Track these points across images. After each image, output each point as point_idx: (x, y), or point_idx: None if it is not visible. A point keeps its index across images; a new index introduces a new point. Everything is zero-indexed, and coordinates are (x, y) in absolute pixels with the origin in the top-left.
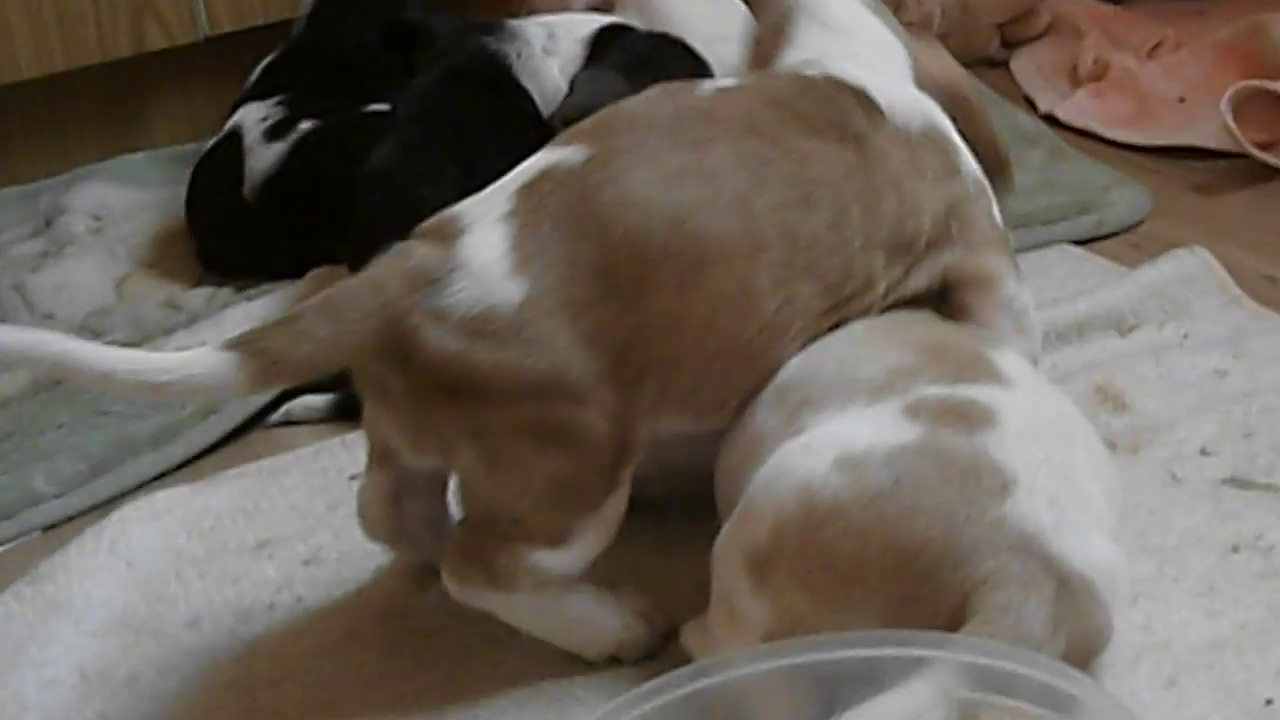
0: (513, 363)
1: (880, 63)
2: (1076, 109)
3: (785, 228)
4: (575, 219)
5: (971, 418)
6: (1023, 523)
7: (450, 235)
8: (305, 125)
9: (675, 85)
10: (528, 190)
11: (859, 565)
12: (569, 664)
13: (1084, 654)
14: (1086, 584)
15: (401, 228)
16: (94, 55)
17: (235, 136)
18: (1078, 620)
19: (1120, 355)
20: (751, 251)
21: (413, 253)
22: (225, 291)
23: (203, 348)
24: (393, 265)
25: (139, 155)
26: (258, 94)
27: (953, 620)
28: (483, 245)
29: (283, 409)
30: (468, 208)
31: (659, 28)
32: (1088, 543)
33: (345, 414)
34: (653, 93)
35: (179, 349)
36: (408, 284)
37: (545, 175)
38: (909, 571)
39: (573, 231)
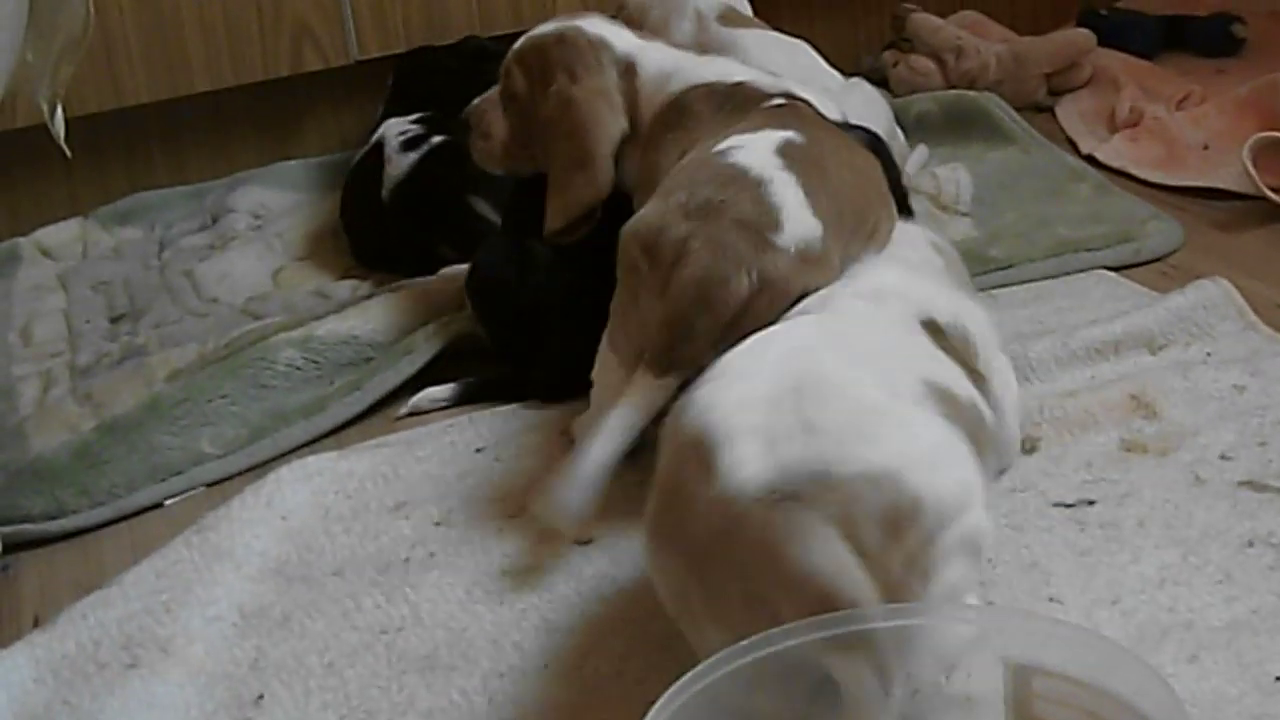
0: (824, 279)
1: None
2: (1113, 152)
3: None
4: (821, 178)
5: None
6: None
7: (752, 185)
8: (436, 139)
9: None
10: (782, 151)
11: None
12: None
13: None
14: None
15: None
16: (258, 74)
17: (379, 146)
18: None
19: (1151, 370)
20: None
21: (730, 206)
22: (367, 284)
23: (640, 379)
24: (720, 225)
25: (294, 162)
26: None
27: None
28: (787, 193)
29: (410, 402)
30: (750, 163)
31: None
32: None
33: (466, 401)
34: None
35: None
36: (748, 236)
37: (787, 143)
38: None
39: (823, 187)
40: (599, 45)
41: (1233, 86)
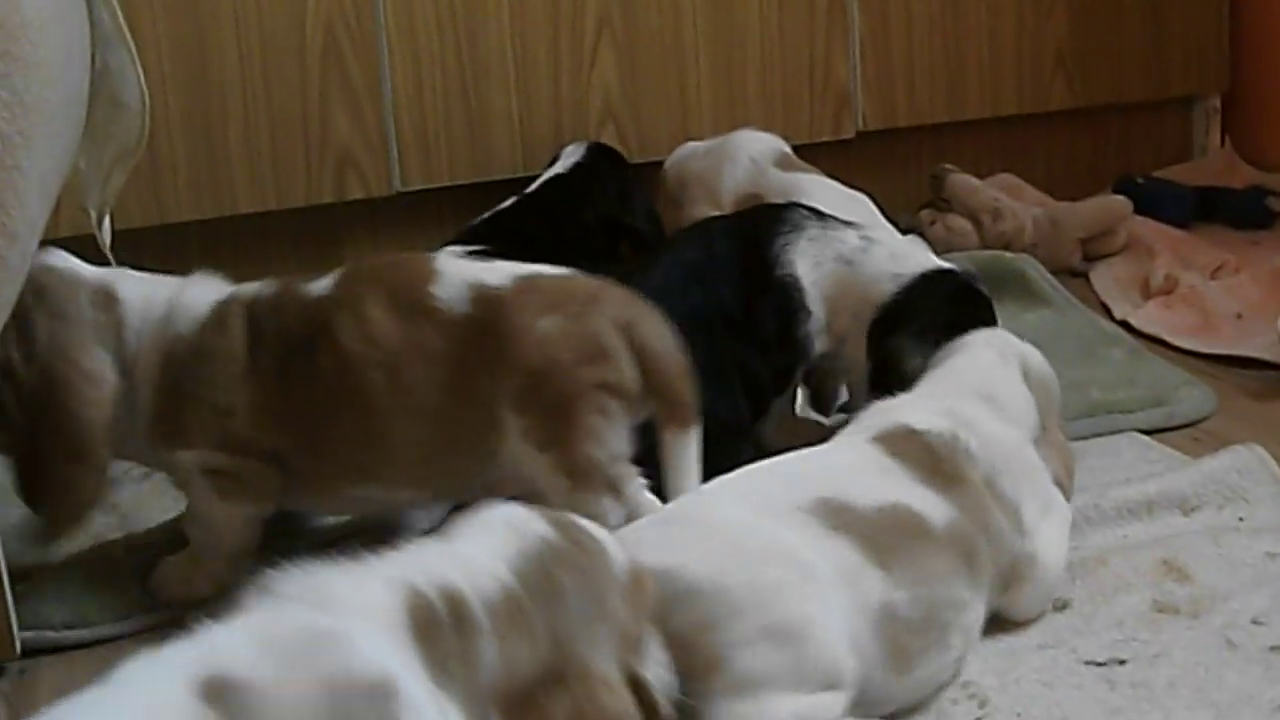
0: None
1: None
2: (1147, 318)
3: None
4: None
5: None
6: None
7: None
8: None
9: None
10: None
11: None
12: None
13: None
14: None
15: None
16: (301, 199)
17: None
18: None
19: (1184, 533)
20: None
21: (601, 304)
22: None
23: None
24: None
25: None
26: (459, 240)
27: None
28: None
29: None
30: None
31: None
32: None
33: None
34: None
35: None
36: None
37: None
38: None
39: None
40: (71, 280)
41: (1267, 258)
